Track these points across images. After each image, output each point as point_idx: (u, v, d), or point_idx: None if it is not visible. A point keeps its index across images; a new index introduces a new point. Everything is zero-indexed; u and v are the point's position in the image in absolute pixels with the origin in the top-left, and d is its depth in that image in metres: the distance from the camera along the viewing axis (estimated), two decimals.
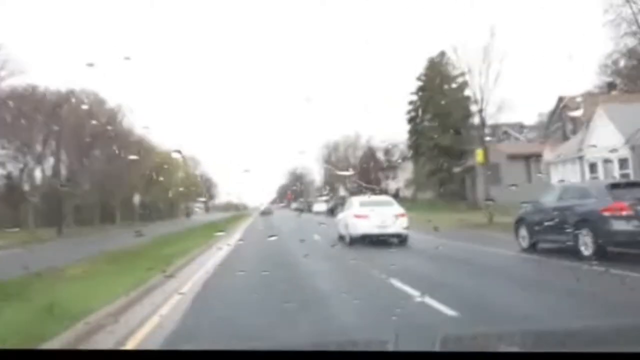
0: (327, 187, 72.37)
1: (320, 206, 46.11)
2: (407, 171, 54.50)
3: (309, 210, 52.63)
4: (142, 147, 39.12)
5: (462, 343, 3.06)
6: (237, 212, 64.01)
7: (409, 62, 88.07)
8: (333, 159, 67.30)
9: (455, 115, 37.85)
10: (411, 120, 45.09)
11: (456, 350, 2.74)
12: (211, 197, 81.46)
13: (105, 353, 3.15)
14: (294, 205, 72.10)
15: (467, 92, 38.44)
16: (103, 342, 5.30)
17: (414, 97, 44.46)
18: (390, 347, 2.71)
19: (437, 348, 2.57)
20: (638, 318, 5.45)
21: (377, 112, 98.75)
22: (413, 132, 44.84)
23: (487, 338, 3.22)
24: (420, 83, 43.41)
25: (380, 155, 62.03)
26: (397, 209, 15.73)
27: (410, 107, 44.83)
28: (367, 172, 59.97)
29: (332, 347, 3.04)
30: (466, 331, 4.32)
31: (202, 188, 75.26)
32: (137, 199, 37.67)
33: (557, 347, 2.68)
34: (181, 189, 50.26)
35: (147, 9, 78.06)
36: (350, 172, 61.78)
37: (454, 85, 40.34)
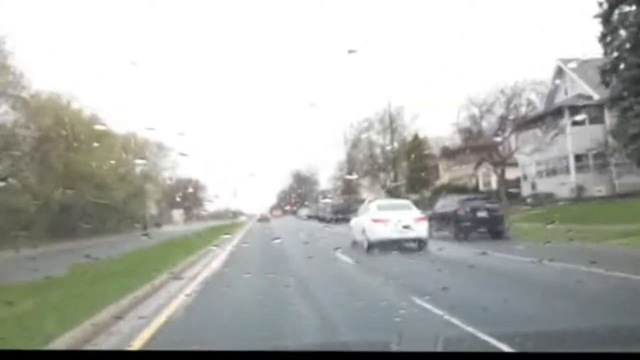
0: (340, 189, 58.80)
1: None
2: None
3: (342, 217, 29.58)
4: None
5: (463, 344, 3.31)
6: (227, 220, 53.13)
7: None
8: (362, 147, 50.23)
9: None
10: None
11: (458, 350, 2.89)
12: (198, 202, 70.48)
13: (111, 354, 3.23)
14: (303, 211, 57.67)
15: None
16: None
17: None
18: (393, 348, 2.79)
19: (439, 348, 2.66)
20: (636, 319, 5.38)
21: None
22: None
23: (488, 338, 3.41)
24: None
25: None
26: (417, 212, 15.77)
27: None
28: (421, 160, 38.00)
29: (337, 348, 3.37)
30: (467, 332, 4.48)
31: (183, 190, 63.30)
32: None
33: (556, 347, 2.83)
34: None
35: (153, 14, 77.81)
36: (355, 176, 50.88)
37: None
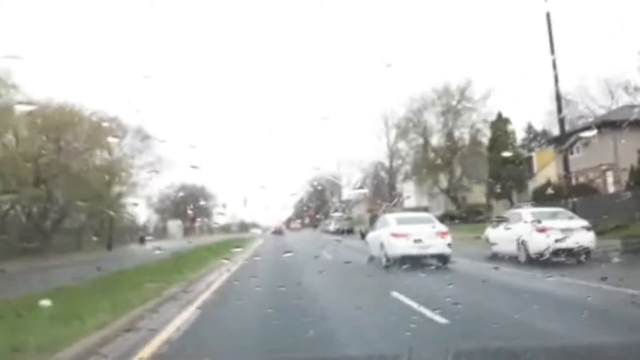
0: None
1: None
2: None
3: None
4: None
5: (473, 358, 3.14)
6: (235, 234, 47.22)
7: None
8: (412, 136, 39.50)
9: None
10: None
11: None
12: (204, 212, 60.84)
13: None
14: (330, 223, 46.44)
15: None
16: None
17: None
18: None
19: None
20: None
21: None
22: None
23: (498, 353, 3.25)
24: None
25: None
26: (439, 226, 15.18)
27: None
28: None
29: None
30: (477, 346, 4.57)
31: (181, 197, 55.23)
32: None
33: None
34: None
35: (165, 28, 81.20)
36: (364, 190, 45.97)
37: None
